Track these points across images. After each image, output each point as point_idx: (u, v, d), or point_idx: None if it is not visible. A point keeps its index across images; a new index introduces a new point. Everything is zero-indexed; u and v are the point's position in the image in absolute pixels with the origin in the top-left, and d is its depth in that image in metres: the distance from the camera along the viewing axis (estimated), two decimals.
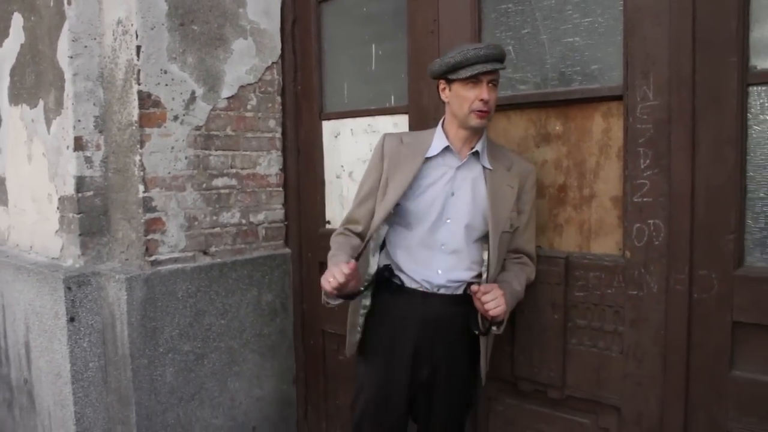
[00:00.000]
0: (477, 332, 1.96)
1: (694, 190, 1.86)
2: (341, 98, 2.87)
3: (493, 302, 1.81)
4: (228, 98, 2.76)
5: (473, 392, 2.22)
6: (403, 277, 2.03)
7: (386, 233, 2.11)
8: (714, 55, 1.79)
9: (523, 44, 2.23)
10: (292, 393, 3.07)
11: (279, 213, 3.01)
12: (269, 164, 2.95)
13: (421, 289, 2.00)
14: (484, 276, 1.97)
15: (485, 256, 1.98)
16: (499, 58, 1.87)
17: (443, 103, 2.01)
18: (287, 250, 3.03)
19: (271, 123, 2.95)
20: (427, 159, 1.99)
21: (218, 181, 2.75)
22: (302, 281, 3.05)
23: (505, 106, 2.27)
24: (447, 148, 2.00)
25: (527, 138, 2.26)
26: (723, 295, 1.82)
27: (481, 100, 1.87)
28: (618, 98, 2.01)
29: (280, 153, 3.00)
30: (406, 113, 2.57)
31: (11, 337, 3.06)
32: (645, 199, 1.95)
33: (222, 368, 2.75)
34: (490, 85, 1.88)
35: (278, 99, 2.98)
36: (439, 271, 1.99)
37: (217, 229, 2.75)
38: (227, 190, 2.78)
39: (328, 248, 2.08)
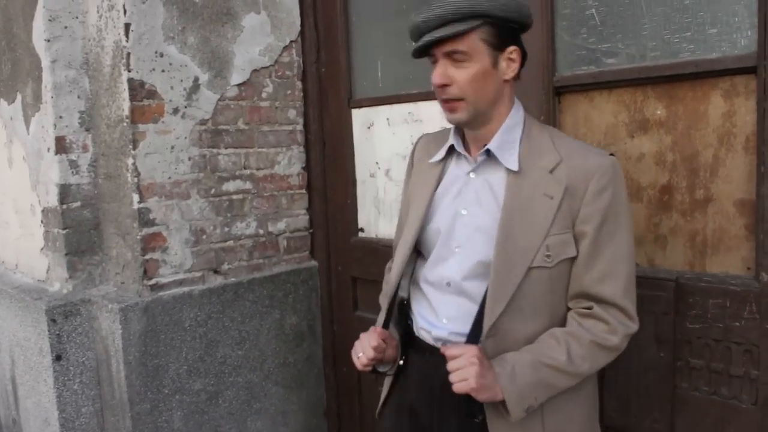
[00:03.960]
0: (466, 415, 1.36)
1: None
2: (374, 81, 2.44)
3: (457, 372, 1.26)
4: (239, 85, 2.36)
5: None
6: (414, 320, 1.53)
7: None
8: None
9: (611, 5, 1.76)
10: (324, 427, 2.69)
11: (303, 220, 2.60)
12: (290, 162, 2.53)
13: (425, 341, 1.48)
14: (469, 330, 1.38)
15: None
16: (450, 18, 1.26)
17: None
18: (314, 263, 2.63)
19: (291, 113, 2.54)
20: (442, 165, 1.50)
21: (229, 185, 2.33)
22: (332, 299, 2.64)
23: (587, 86, 1.81)
24: (452, 149, 1.48)
25: (617, 126, 1.79)
26: None
27: (435, 85, 1.34)
28: (748, 71, 1.54)
29: (302, 149, 2.60)
30: None
31: None
32: None
33: (240, 407, 2.34)
34: (448, 60, 1.32)
35: (299, 84, 2.58)
36: (444, 320, 1.43)
37: (230, 243, 2.34)
38: (240, 196, 2.37)
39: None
